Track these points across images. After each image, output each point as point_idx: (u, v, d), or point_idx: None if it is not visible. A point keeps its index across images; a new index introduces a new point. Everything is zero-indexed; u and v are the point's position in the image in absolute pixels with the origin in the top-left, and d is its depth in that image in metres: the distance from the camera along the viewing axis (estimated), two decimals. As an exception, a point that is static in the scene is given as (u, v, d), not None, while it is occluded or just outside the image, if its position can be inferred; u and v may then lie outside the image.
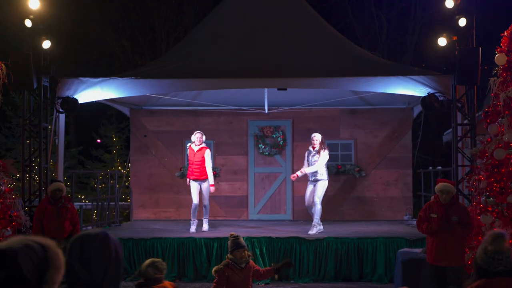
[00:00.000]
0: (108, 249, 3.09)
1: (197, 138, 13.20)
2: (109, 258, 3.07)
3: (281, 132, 16.27)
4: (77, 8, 24.44)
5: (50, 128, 12.36)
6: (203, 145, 13.28)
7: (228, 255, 7.54)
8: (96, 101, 13.06)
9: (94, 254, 3.05)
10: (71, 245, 3.10)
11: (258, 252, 11.94)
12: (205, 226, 13.32)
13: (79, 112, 12.76)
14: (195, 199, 13.24)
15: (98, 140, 27.42)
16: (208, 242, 12.18)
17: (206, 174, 13.18)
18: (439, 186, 9.05)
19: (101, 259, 3.06)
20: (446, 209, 8.86)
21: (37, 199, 12.05)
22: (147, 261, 6.80)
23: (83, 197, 20.66)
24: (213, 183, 13.30)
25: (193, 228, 13.05)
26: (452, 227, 8.77)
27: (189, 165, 13.40)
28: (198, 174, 13.18)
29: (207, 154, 13.20)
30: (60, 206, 10.32)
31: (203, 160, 13.13)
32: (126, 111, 16.63)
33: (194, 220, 13.17)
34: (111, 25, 27.31)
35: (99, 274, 3.04)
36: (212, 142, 16.14)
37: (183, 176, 16.06)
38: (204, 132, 14.95)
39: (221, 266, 7.42)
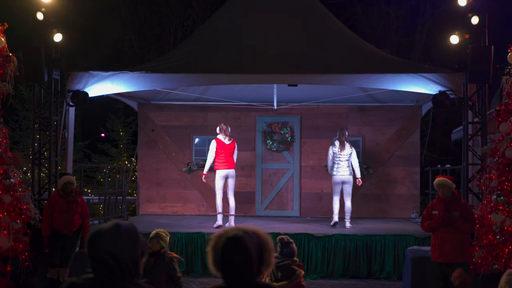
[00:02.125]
0: (138, 242, 3.09)
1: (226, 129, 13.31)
2: (138, 251, 3.08)
3: (289, 129, 16.25)
4: (85, 2, 24.39)
5: (60, 122, 12.33)
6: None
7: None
8: (105, 95, 13.05)
9: (124, 247, 3.05)
10: (101, 237, 3.10)
11: (266, 248, 11.90)
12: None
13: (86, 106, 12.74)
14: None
15: (102, 134, 27.42)
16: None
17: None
18: (436, 181, 9.14)
19: (132, 252, 3.06)
20: (447, 205, 8.89)
21: (46, 192, 12.05)
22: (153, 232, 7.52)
23: (89, 191, 20.65)
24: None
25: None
26: (455, 223, 8.78)
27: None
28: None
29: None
30: (70, 199, 10.29)
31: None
32: (134, 105, 16.63)
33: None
34: (119, 20, 27.28)
35: (129, 266, 3.04)
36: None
37: (191, 171, 16.07)
38: (213, 127, 14.96)
39: None
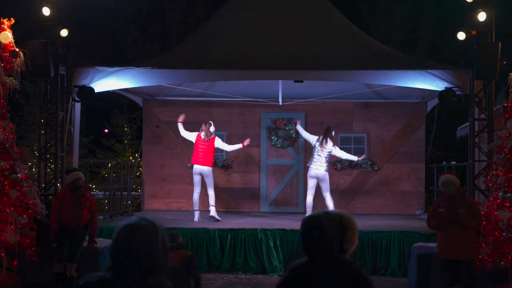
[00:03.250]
0: (155, 239, 3.08)
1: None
2: (156, 248, 3.07)
3: (294, 125, 16.23)
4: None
5: (66, 117, 12.34)
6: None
7: None
8: (111, 91, 13.05)
9: (142, 244, 3.05)
10: (118, 235, 3.10)
11: (272, 244, 11.94)
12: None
13: (92, 101, 12.77)
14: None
15: (106, 130, 27.43)
16: (222, 233, 12.19)
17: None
18: (441, 178, 9.14)
19: (149, 250, 3.06)
20: (453, 202, 8.88)
21: (52, 188, 12.06)
22: None
23: (94, 186, 20.66)
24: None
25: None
26: (461, 220, 8.78)
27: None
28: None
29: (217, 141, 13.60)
30: (79, 194, 10.32)
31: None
32: (139, 101, 16.62)
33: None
34: (122, 16, 27.27)
35: (147, 263, 3.04)
36: (225, 134, 16.13)
37: (195, 166, 16.10)
38: (217, 123, 14.95)
39: None
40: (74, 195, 10.25)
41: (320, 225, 3.72)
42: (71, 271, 10.17)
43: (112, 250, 3.09)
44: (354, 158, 13.89)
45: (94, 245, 10.44)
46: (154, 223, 3.13)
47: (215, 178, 14.10)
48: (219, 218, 13.31)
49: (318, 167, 13.36)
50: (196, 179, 13.54)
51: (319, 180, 13.42)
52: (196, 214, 13.50)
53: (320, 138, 13.52)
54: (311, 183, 13.53)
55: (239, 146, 13.67)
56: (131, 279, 3.02)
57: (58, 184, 12.00)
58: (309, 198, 13.55)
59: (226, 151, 15.42)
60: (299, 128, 14.19)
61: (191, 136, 13.60)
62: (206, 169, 13.37)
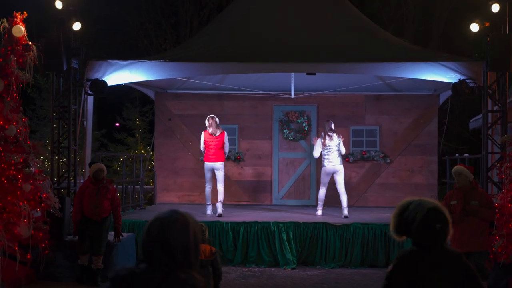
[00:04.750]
0: (187, 233, 3.08)
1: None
2: (188, 242, 3.06)
3: (306, 117, 16.22)
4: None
5: (78, 110, 12.37)
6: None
7: None
8: (123, 84, 13.07)
9: (174, 238, 3.04)
10: (149, 227, 3.09)
11: (285, 237, 11.93)
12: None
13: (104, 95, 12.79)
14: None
15: (117, 124, 27.51)
16: (235, 226, 12.20)
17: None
18: (453, 169, 9.12)
19: (182, 242, 3.05)
20: (465, 194, 8.84)
21: (65, 181, 12.10)
22: None
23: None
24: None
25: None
26: (475, 211, 8.74)
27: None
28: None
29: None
30: (101, 186, 10.42)
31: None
32: (151, 94, 16.64)
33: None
34: (135, 8, 27.29)
35: (179, 256, 3.03)
36: (237, 127, 16.15)
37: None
38: (229, 116, 15.00)
39: None
40: (96, 186, 10.37)
41: (444, 218, 4.08)
42: (97, 264, 10.29)
43: (145, 243, 3.09)
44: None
45: (121, 237, 10.58)
46: (186, 216, 3.13)
47: (227, 171, 14.10)
48: (221, 213, 13.23)
49: (333, 163, 13.29)
50: (208, 175, 13.57)
51: (335, 173, 13.37)
52: (209, 208, 13.55)
53: (322, 138, 13.41)
54: (326, 179, 13.52)
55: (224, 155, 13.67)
56: (163, 272, 3.02)
57: (71, 179, 12.05)
58: (322, 192, 13.55)
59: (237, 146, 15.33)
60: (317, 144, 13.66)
61: (202, 141, 13.54)
62: (218, 164, 13.37)
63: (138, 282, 3.02)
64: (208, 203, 13.66)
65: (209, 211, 13.54)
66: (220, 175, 13.45)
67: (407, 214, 4.21)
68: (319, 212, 13.49)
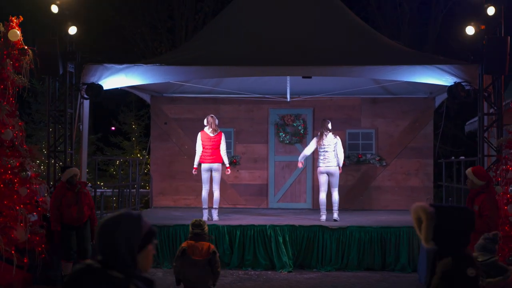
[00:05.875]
0: (116, 233, 3.10)
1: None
2: (116, 242, 3.08)
3: (302, 121, 16.23)
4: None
5: (74, 114, 12.37)
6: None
7: None
8: (119, 88, 13.07)
9: (104, 236, 3.10)
10: (101, 227, 3.14)
11: (281, 240, 11.95)
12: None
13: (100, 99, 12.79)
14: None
15: (113, 128, 27.50)
16: (231, 229, 12.20)
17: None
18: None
19: (109, 242, 3.08)
20: (472, 198, 8.77)
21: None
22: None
23: (102, 184, 20.72)
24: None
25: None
26: None
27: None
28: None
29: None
30: (77, 191, 10.34)
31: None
32: (147, 98, 16.64)
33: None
34: (131, 12, 27.29)
35: (109, 257, 3.06)
36: (233, 130, 16.15)
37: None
38: (225, 120, 14.96)
39: None
40: (73, 192, 10.28)
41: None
42: None
43: (96, 242, 3.18)
44: (340, 164, 13.29)
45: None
46: (123, 217, 3.13)
47: (223, 174, 14.04)
48: (216, 220, 13.10)
49: (327, 164, 13.16)
50: (205, 177, 13.24)
51: (329, 175, 13.22)
52: (205, 212, 13.30)
53: (317, 137, 13.35)
54: (323, 179, 13.25)
55: (225, 163, 13.33)
56: (96, 270, 3.05)
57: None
58: (323, 195, 13.23)
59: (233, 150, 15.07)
60: (303, 157, 13.62)
61: (198, 143, 13.32)
62: (216, 165, 13.20)
63: (81, 277, 3.09)
64: (204, 207, 13.29)
65: (205, 215, 13.18)
66: (217, 177, 13.22)
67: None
68: (323, 217, 13.10)
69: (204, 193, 13.26)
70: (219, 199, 13.28)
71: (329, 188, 13.24)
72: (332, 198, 13.16)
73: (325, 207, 13.15)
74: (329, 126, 13.24)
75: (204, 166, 13.18)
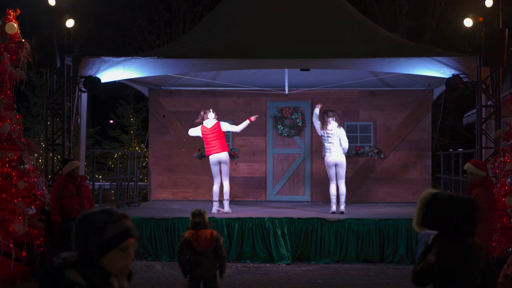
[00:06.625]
0: (84, 229, 3.09)
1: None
2: (85, 238, 3.07)
3: (300, 113, 16.22)
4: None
5: (72, 108, 12.36)
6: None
7: None
8: (117, 81, 13.06)
9: (75, 232, 3.11)
10: (75, 223, 3.14)
11: (279, 232, 11.95)
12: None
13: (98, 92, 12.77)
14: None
15: (111, 121, 27.48)
16: (229, 222, 12.21)
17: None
18: None
19: (79, 238, 3.09)
20: (469, 190, 8.78)
21: (59, 178, 12.09)
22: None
23: (100, 177, 20.72)
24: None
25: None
26: None
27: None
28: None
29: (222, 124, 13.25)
30: (78, 184, 10.35)
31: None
32: (144, 91, 16.63)
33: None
34: (128, 5, 27.23)
35: (80, 252, 3.07)
36: (231, 123, 16.09)
37: (202, 156, 16.03)
38: (223, 113, 14.94)
39: None
40: (74, 185, 10.29)
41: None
42: None
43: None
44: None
45: None
46: (96, 213, 3.10)
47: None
48: (229, 211, 13.11)
49: (335, 154, 13.07)
50: (215, 170, 13.16)
51: (337, 166, 13.17)
52: (215, 205, 13.18)
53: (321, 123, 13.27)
54: (332, 171, 13.19)
55: (247, 122, 13.24)
56: (75, 263, 3.03)
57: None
58: (333, 187, 13.23)
59: (235, 132, 14.93)
60: (316, 111, 13.46)
61: (197, 132, 13.24)
62: (224, 155, 13.09)
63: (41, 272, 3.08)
64: (215, 199, 13.22)
65: (215, 208, 13.11)
66: (225, 168, 13.13)
67: (437, 206, 4.48)
68: (333, 207, 13.07)
69: (216, 187, 13.17)
70: (229, 191, 13.28)
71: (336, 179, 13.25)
72: (340, 190, 13.17)
73: (335, 198, 13.20)
74: (332, 115, 13.08)
75: (213, 159, 13.09)
